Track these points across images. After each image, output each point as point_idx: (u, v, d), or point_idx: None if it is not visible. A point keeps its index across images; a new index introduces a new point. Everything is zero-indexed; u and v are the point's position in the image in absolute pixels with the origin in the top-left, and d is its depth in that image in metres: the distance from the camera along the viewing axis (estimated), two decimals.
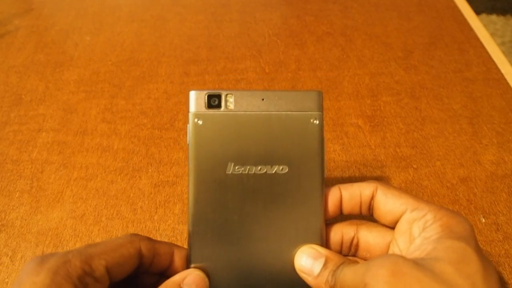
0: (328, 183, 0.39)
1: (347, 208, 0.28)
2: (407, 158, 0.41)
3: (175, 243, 0.28)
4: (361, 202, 0.28)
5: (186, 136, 0.28)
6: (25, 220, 0.37)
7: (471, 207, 0.37)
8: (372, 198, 0.28)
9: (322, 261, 0.26)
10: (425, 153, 0.42)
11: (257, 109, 0.27)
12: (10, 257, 0.35)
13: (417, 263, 0.21)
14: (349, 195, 0.28)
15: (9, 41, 0.57)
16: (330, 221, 0.29)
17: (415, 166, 0.41)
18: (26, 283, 0.21)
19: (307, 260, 0.26)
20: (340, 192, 0.28)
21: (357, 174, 0.40)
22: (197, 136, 0.27)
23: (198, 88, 0.28)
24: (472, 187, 0.39)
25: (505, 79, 0.49)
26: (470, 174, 0.40)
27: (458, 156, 0.41)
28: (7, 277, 0.34)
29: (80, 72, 0.52)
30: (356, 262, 0.26)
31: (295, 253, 0.27)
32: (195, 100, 0.27)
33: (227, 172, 0.27)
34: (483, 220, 0.36)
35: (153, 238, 0.27)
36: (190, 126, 0.27)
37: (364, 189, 0.28)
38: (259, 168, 0.27)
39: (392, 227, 0.27)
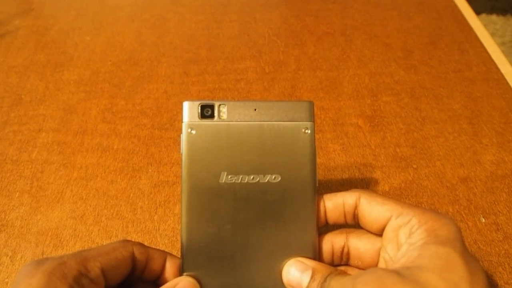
0: (328, 183, 0.39)
1: (331, 218, 0.28)
2: (407, 158, 0.41)
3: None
4: (345, 212, 0.28)
5: (180, 145, 0.28)
6: (25, 220, 0.37)
7: (471, 207, 0.37)
8: (356, 207, 0.27)
9: (309, 273, 0.26)
10: (425, 153, 0.42)
11: (250, 119, 0.28)
12: (10, 257, 0.35)
13: (402, 276, 0.21)
14: (332, 205, 0.28)
15: (9, 41, 0.57)
16: (320, 231, 0.28)
17: (415, 166, 0.41)
18: (22, 285, 0.21)
19: (295, 273, 0.26)
20: (324, 202, 0.28)
21: (357, 174, 0.40)
22: (190, 145, 0.27)
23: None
24: (472, 187, 0.39)
25: (505, 79, 0.49)
26: (470, 174, 0.40)
27: (458, 156, 0.41)
28: (7, 277, 0.34)
29: (80, 72, 0.52)
30: (345, 272, 0.26)
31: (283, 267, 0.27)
32: (189, 110, 0.28)
33: (220, 181, 0.27)
34: (483, 220, 0.36)
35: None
36: (183, 136, 0.28)
37: (347, 198, 0.28)
38: (251, 177, 0.27)
39: (379, 234, 0.27)
